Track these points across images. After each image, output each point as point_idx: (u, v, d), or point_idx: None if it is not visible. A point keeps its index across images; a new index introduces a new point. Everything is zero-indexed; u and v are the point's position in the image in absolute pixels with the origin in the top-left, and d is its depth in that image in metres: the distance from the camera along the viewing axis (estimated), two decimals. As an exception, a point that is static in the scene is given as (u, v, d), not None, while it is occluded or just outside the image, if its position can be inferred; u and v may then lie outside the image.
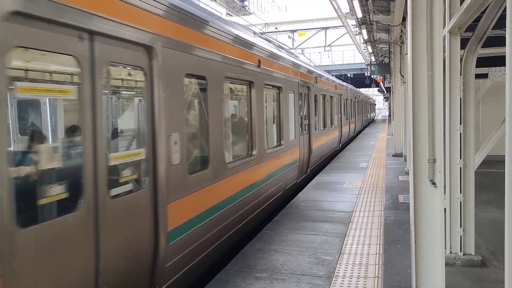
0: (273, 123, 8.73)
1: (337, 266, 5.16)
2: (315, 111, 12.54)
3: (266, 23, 31.17)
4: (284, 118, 8.76)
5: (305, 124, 11.11)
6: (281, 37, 30.43)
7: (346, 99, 20.76)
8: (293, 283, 4.70)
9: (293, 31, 29.68)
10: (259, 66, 7.01)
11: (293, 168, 9.46)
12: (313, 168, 12.19)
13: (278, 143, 8.59)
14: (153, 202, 3.97)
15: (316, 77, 12.55)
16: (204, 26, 5.09)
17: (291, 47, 27.57)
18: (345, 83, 23.28)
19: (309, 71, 11.87)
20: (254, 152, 6.81)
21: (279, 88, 8.61)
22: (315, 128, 12.42)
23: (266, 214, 7.73)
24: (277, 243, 6.04)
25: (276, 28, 30.09)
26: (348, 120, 21.27)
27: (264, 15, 47.24)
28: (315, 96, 12.51)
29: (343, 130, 18.78)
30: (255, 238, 6.32)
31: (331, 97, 15.68)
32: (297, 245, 5.95)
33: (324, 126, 14.20)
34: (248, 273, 4.99)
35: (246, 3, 25.88)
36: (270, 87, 8.16)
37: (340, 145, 18.30)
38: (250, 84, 6.82)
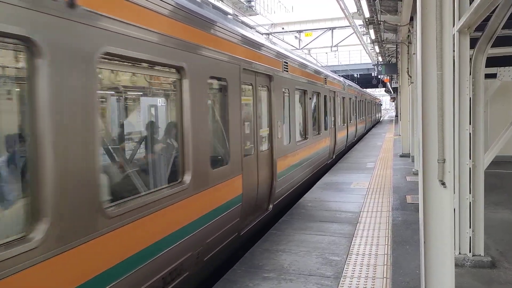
0: (159, 143, 4.93)
1: (345, 266, 5.14)
2: (288, 114, 8.57)
3: (272, 24, 31.19)
4: (194, 131, 4.57)
5: (264, 136, 7.25)
6: (288, 37, 30.43)
7: (343, 97, 17.12)
8: (301, 283, 4.69)
9: (300, 31, 29.67)
10: (71, 5, 2.91)
11: (222, 221, 5.25)
12: (287, 196, 8.44)
13: (178, 180, 4.44)
14: None
15: (284, 63, 8.24)
16: None
17: (298, 47, 27.56)
18: (342, 78, 19.40)
19: (268, 50, 7.30)
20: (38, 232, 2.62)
21: (178, 70, 4.42)
22: (287, 139, 8.48)
23: None
24: (285, 243, 6.03)
25: (283, 28, 30.10)
26: (345, 124, 17.47)
27: (270, 16, 47.24)
28: (287, 91, 8.46)
29: (337, 137, 14.99)
30: (262, 238, 6.31)
31: (318, 94, 11.75)
32: (305, 246, 5.94)
33: (305, 135, 10.22)
34: (255, 273, 4.99)
35: (252, 3, 25.90)
36: (137, 66, 3.92)
37: (334, 156, 14.66)
38: (30, 52, 2.66)
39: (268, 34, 25.64)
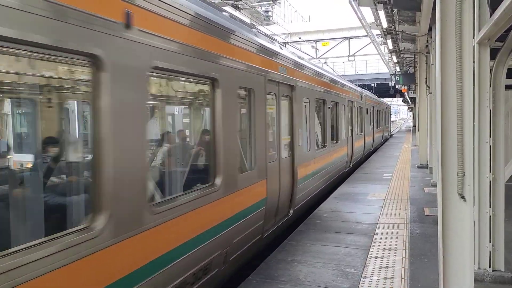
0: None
1: (361, 279, 5.09)
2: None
3: (289, 33, 31.31)
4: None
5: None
6: (304, 46, 30.49)
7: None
8: (317, 295, 4.65)
9: (317, 41, 29.71)
10: None
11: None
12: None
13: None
14: None
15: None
16: None
17: (314, 57, 27.58)
18: (316, 67, 11.19)
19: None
20: None
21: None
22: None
23: None
24: (300, 254, 6.00)
25: (299, 38, 30.18)
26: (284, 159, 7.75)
27: (287, 25, 47.41)
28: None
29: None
30: (277, 248, 6.29)
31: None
32: (320, 257, 5.90)
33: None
34: (271, 284, 4.97)
35: (270, 13, 26.09)
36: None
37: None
38: None
39: (285, 43, 25.72)
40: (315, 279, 5.11)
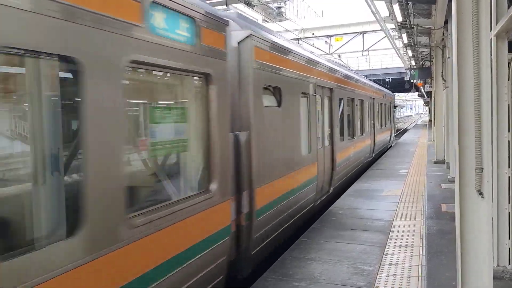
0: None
1: (378, 276, 5.04)
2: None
3: (302, 29, 31.14)
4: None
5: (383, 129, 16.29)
6: (318, 42, 30.32)
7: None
8: (332, 293, 4.62)
9: (330, 36, 29.51)
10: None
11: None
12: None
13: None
14: None
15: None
16: None
17: (328, 52, 27.39)
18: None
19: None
20: None
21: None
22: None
23: None
24: (315, 252, 5.97)
25: (313, 34, 30.01)
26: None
27: (300, 21, 47.18)
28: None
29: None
30: (292, 246, 6.27)
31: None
32: (335, 254, 5.86)
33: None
34: (286, 282, 4.96)
35: (282, 9, 25.97)
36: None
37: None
38: None
39: (298, 39, 25.62)
40: (330, 276, 5.08)
